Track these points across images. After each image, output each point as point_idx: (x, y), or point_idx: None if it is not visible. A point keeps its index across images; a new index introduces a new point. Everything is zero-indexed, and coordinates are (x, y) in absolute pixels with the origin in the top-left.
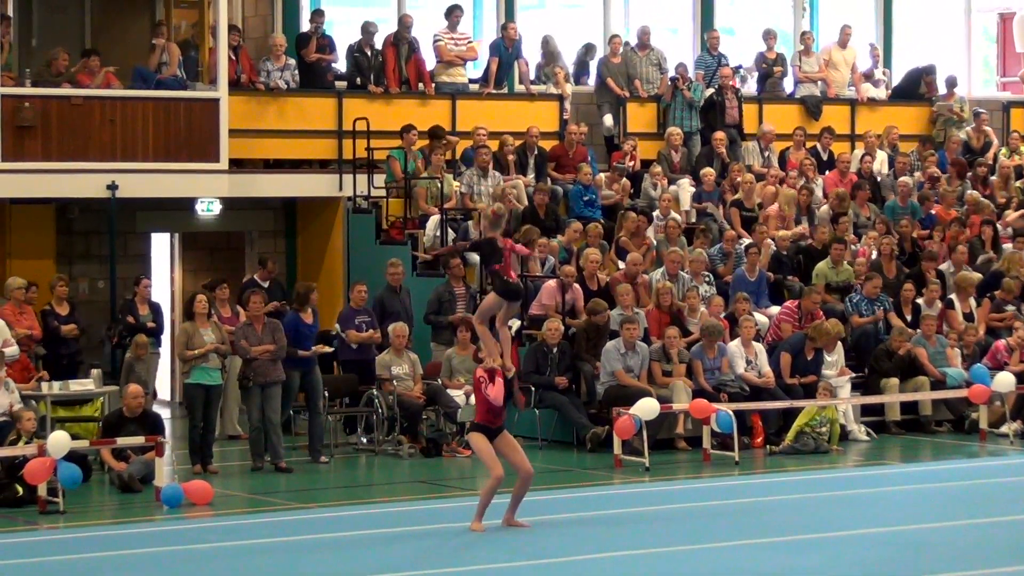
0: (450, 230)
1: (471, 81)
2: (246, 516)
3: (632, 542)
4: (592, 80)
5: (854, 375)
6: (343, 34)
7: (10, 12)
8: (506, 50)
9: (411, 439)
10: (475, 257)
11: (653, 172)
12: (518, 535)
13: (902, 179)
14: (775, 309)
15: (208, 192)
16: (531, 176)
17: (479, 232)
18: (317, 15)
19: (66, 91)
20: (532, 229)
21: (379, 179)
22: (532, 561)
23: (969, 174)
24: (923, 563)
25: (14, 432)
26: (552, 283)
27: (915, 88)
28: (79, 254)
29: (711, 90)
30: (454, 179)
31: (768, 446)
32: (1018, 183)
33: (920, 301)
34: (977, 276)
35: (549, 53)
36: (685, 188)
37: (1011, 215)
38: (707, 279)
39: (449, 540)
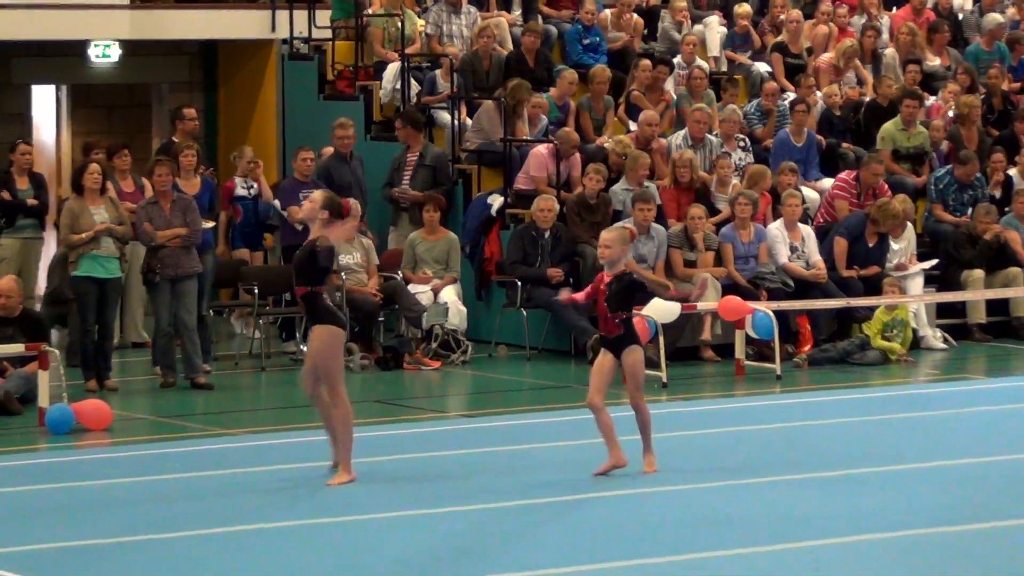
0: (414, 81)
1: None
2: (153, 445)
3: (644, 479)
4: None
5: (928, 266)
6: None
7: None
8: None
9: (364, 347)
10: (445, 117)
11: (674, 8)
12: (497, 466)
13: (990, 16)
14: (828, 182)
15: (104, 33)
16: (517, 12)
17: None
18: None
19: None
20: (522, 84)
21: (323, 16)
22: (510, 502)
23: None
24: (1013, 504)
25: None
26: (542, 149)
27: None
28: None
29: None
30: (418, 17)
31: (797, 357)
32: None
33: (1012, 172)
34: None
35: None
36: (714, 28)
37: None
38: (742, 143)
39: (411, 475)
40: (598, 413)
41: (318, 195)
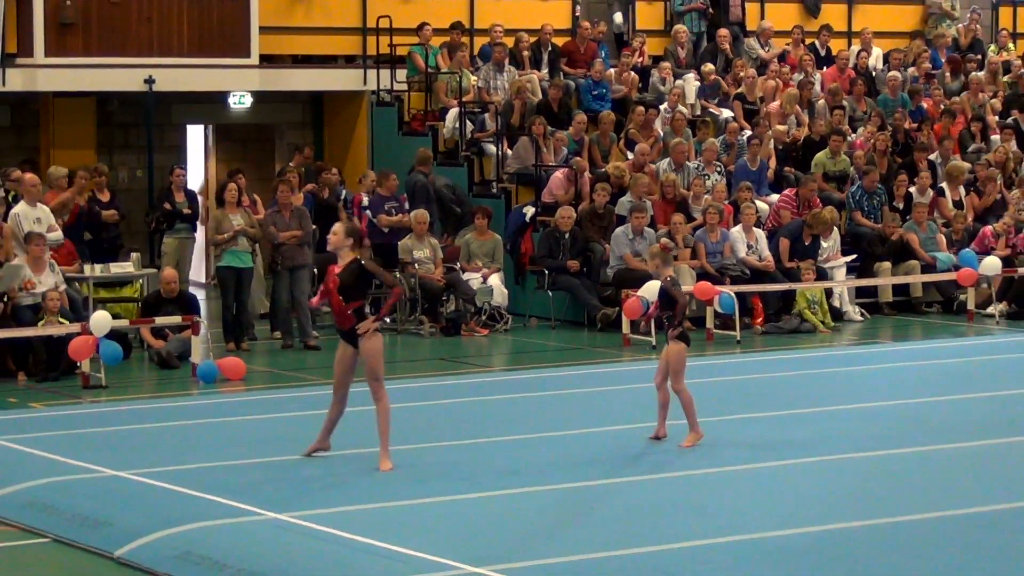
0: (468, 122)
1: None
2: (277, 391)
3: (639, 415)
4: None
5: (849, 259)
6: None
7: None
8: None
9: (432, 319)
10: (491, 148)
11: (661, 67)
12: (530, 408)
13: (892, 74)
14: (775, 197)
15: (240, 86)
16: (545, 71)
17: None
18: None
19: None
20: (539, 119)
21: (401, 74)
22: (543, 434)
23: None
24: (913, 436)
25: (41, 312)
26: (560, 173)
27: None
28: (118, 144)
29: None
30: (472, 74)
31: (755, 325)
32: (1006, 78)
33: (912, 190)
34: (966, 165)
35: None
36: (691, 82)
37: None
38: (718, 169)
39: (467, 414)
40: (658, 391)
41: (340, 227)
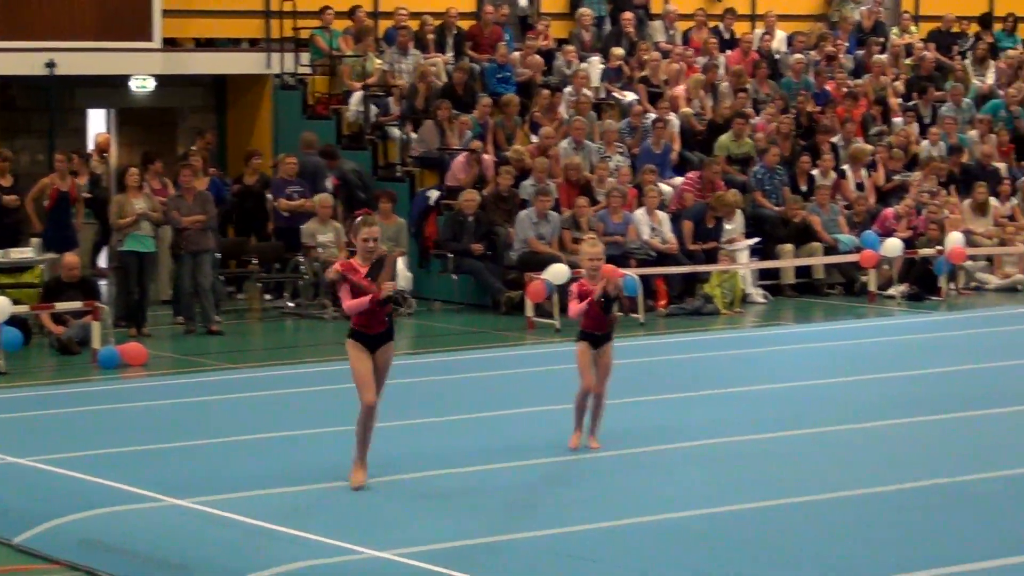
0: (372, 105)
1: None
2: (179, 376)
3: (542, 398)
4: None
5: (752, 242)
6: None
7: None
8: None
9: (334, 303)
10: (396, 132)
11: (566, 50)
12: (434, 392)
13: (796, 56)
14: (679, 180)
15: (143, 69)
16: (450, 55)
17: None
18: None
19: None
20: (443, 103)
21: (305, 57)
22: (447, 418)
23: (861, 52)
24: (814, 417)
25: None
26: (462, 157)
27: None
28: (20, 129)
29: None
30: (376, 57)
31: (659, 308)
32: (908, 61)
33: (815, 172)
34: (869, 148)
35: None
36: (595, 65)
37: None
38: (620, 150)
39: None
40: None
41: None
